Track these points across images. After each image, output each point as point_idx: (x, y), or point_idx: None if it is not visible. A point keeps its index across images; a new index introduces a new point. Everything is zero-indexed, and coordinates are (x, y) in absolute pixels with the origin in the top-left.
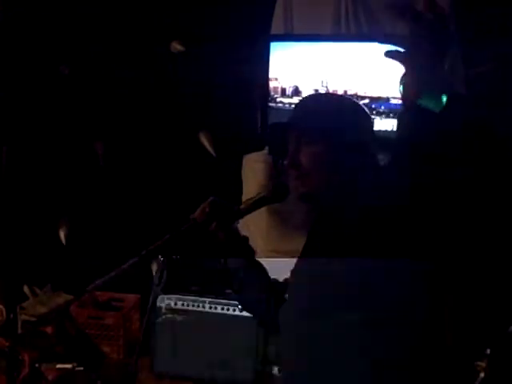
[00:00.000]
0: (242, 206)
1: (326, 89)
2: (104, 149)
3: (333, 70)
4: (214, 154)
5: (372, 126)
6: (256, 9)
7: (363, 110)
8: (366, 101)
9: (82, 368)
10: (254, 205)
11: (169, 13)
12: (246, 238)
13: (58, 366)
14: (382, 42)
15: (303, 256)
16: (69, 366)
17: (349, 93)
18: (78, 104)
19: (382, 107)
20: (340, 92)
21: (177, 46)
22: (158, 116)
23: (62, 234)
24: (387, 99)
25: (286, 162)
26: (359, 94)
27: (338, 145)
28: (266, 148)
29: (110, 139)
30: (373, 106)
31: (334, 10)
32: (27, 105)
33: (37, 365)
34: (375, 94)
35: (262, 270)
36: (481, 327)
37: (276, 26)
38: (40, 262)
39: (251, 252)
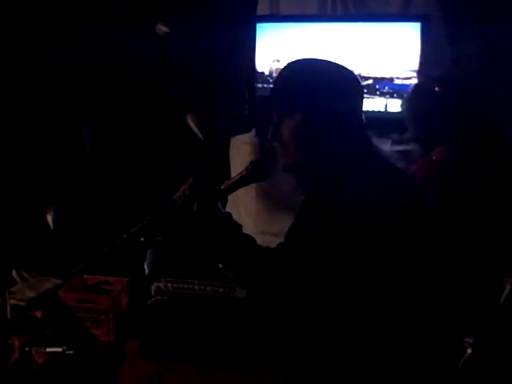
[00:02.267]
0: (223, 187)
1: None
2: (90, 134)
3: (336, 50)
4: (201, 137)
5: (357, 101)
6: None
7: (350, 81)
8: (370, 81)
9: (72, 351)
10: (235, 185)
11: None
12: (229, 214)
13: (48, 349)
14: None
15: (287, 237)
16: (59, 349)
17: (381, 76)
18: (64, 88)
19: (386, 87)
20: (372, 74)
21: (162, 28)
22: (144, 99)
23: (49, 219)
24: (391, 79)
25: (268, 134)
26: (362, 74)
27: (316, 118)
28: (254, 130)
29: (96, 123)
30: (377, 87)
31: None
32: (12, 88)
33: (27, 349)
34: (379, 75)
35: (251, 240)
36: (468, 303)
37: (261, 8)
38: (28, 247)
39: (238, 227)
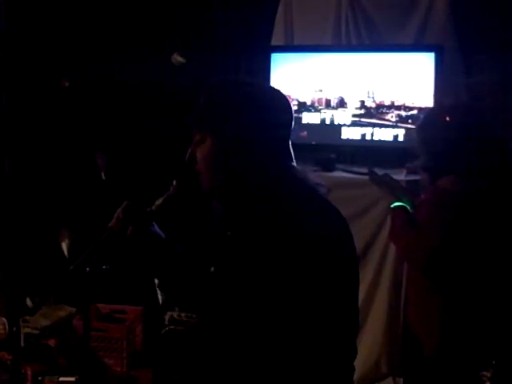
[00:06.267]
0: (153, 207)
1: (372, 99)
2: (106, 163)
3: (380, 80)
4: None
5: (278, 127)
6: (256, 21)
7: (273, 106)
8: (414, 111)
9: (84, 381)
10: (163, 204)
11: (170, 25)
12: (168, 238)
13: (61, 378)
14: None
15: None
16: (72, 378)
17: (396, 104)
18: (80, 116)
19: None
20: (387, 103)
21: (177, 58)
22: (159, 128)
23: (64, 246)
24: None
25: (186, 156)
26: (407, 104)
27: (224, 144)
28: None
29: (112, 152)
30: (421, 117)
31: (334, 23)
32: (29, 117)
33: (40, 378)
34: (423, 105)
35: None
36: (486, 337)
37: (276, 38)
38: (42, 275)
39: (177, 249)
